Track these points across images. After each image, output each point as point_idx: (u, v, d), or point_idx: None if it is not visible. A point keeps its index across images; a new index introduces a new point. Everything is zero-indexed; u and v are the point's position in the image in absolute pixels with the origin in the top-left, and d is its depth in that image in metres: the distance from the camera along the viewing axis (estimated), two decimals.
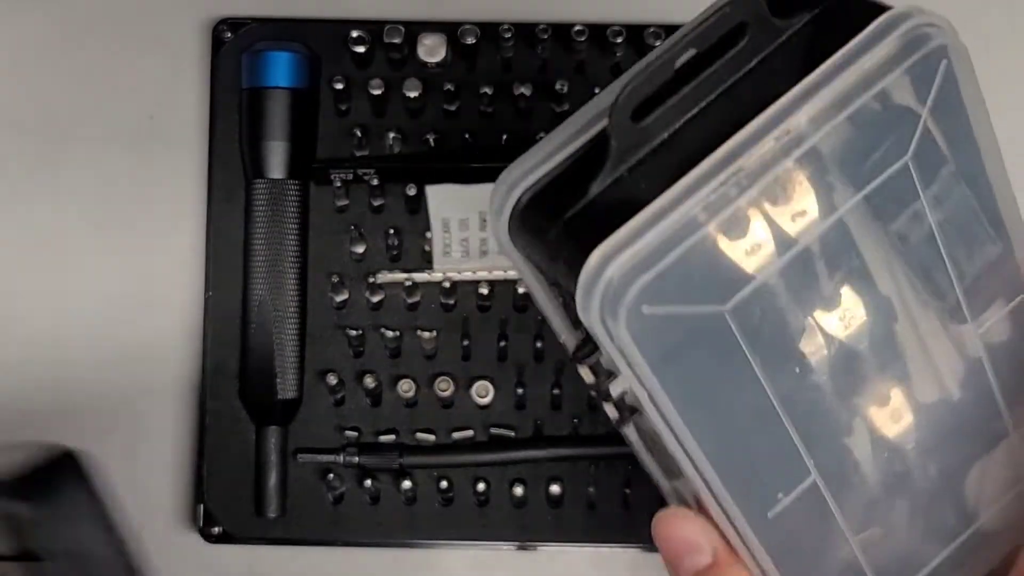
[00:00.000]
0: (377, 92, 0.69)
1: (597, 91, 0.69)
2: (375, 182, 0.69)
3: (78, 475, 0.40)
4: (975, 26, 0.73)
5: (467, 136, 0.70)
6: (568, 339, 0.51)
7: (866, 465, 0.49)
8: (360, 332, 0.69)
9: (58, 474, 0.40)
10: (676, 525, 0.49)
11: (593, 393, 0.48)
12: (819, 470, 0.47)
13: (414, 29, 0.70)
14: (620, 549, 0.70)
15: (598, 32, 0.70)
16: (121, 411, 0.72)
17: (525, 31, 0.70)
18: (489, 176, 0.69)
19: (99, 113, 0.73)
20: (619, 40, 0.69)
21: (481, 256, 0.69)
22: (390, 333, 0.69)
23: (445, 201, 0.69)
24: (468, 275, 0.69)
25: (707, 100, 0.45)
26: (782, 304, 0.45)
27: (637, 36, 0.70)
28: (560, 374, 0.70)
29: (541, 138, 0.48)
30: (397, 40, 0.69)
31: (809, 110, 0.43)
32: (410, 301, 0.70)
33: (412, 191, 0.69)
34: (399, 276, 0.69)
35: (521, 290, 0.68)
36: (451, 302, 0.70)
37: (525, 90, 0.69)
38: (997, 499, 0.52)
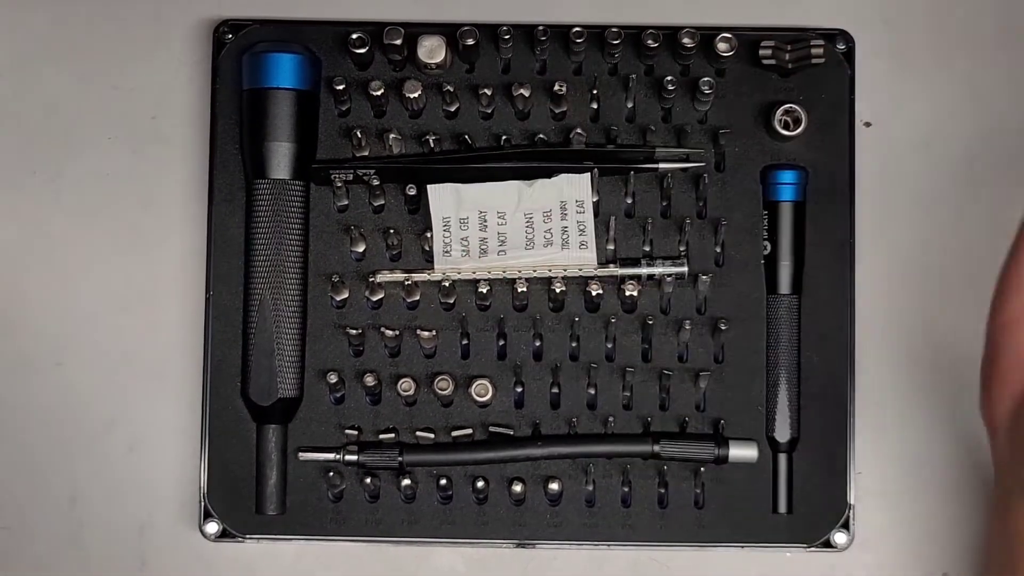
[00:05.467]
0: (377, 93, 0.71)
1: (595, 92, 0.71)
2: (375, 182, 0.70)
3: None
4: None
5: (466, 137, 0.71)
6: None
7: None
8: (360, 331, 0.71)
9: None
10: None
11: None
12: None
13: (414, 31, 0.72)
14: (618, 547, 0.72)
15: (596, 34, 0.71)
16: (123, 409, 0.74)
17: (524, 33, 0.72)
18: (489, 176, 0.70)
19: (100, 114, 0.75)
20: (617, 42, 0.71)
21: (480, 255, 0.70)
22: (390, 332, 0.70)
23: (446, 200, 0.70)
24: (467, 274, 0.70)
25: None
26: None
27: (635, 38, 0.71)
28: (558, 373, 0.70)
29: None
30: (397, 42, 0.70)
31: None
32: (410, 300, 0.71)
33: (412, 191, 0.70)
34: (399, 276, 0.71)
35: (520, 289, 0.69)
36: (450, 301, 0.71)
37: (524, 91, 0.71)
38: None
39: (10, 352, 0.74)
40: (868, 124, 0.75)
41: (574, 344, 0.72)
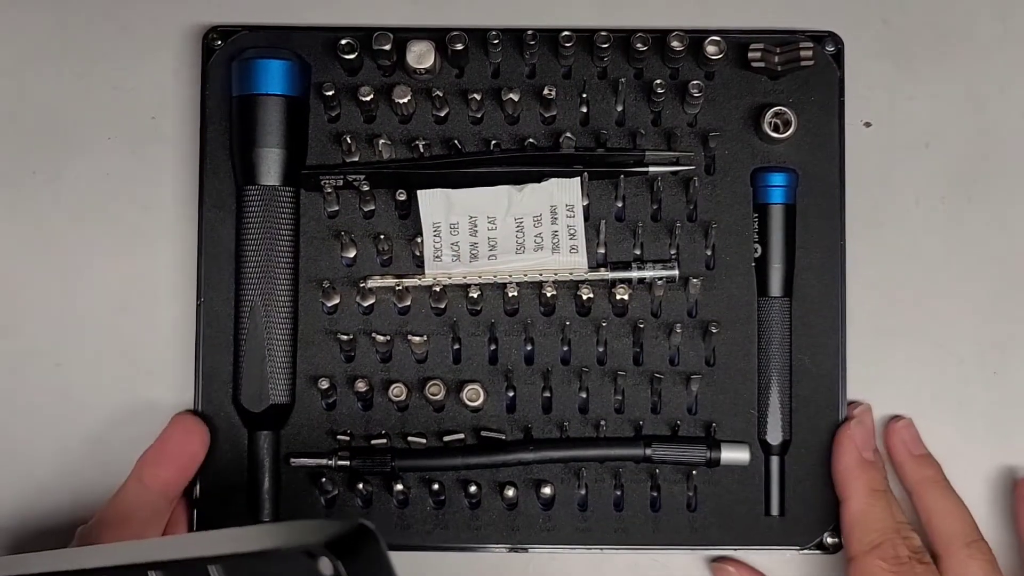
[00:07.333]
0: (367, 99, 0.71)
1: (585, 96, 0.71)
2: (365, 188, 0.71)
3: (376, 544, 0.44)
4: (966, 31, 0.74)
5: (456, 142, 0.72)
6: None
7: None
8: (351, 337, 0.71)
9: (362, 541, 0.43)
10: None
11: None
12: None
13: (403, 36, 0.72)
14: (612, 551, 0.72)
15: (585, 38, 0.71)
16: (114, 416, 0.74)
17: (513, 37, 0.72)
18: (479, 181, 0.70)
19: (100, 114, 0.75)
20: (606, 46, 0.71)
21: (471, 260, 0.71)
22: (381, 338, 0.71)
23: (436, 206, 0.70)
24: (458, 279, 0.70)
25: None
26: None
27: (624, 42, 0.71)
28: (549, 377, 0.71)
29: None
30: (386, 47, 0.71)
31: None
32: (401, 306, 0.72)
33: (402, 196, 0.70)
34: (390, 281, 0.71)
35: (511, 294, 0.69)
36: (441, 306, 0.71)
37: (514, 96, 0.71)
38: None
39: (10, 352, 0.75)
40: (868, 124, 0.75)
41: (565, 348, 0.72)
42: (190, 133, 0.75)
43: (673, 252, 0.72)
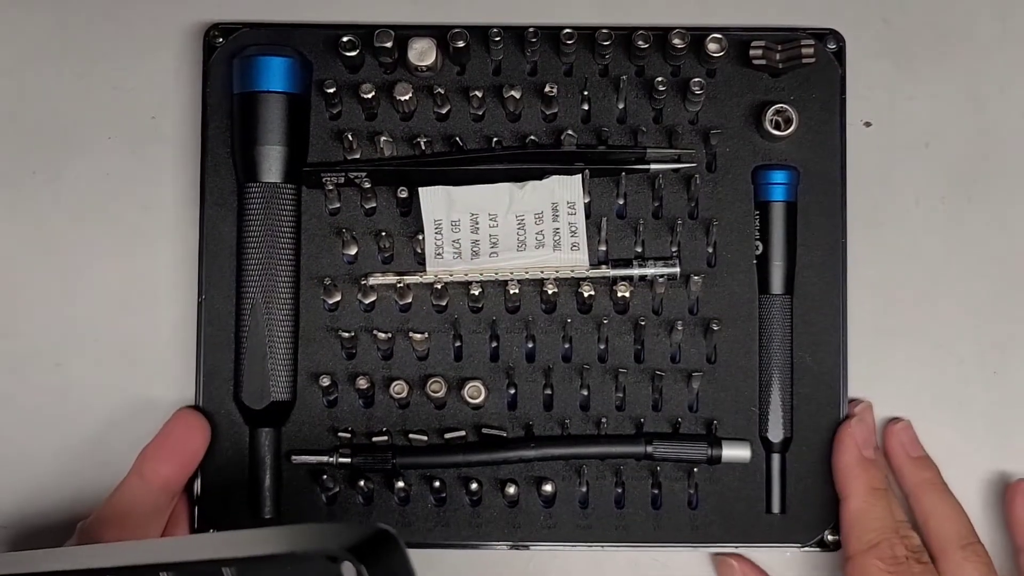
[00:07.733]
0: (368, 96, 0.71)
1: (586, 93, 0.71)
2: (367, 185, 0.71)
3: (399, 548, 0.44)
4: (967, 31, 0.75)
5: (457, 139, 0.72)
6: None
7: None
8: (352, 334, 0.71)
9: (384, 546, 0.43)
10: None
11: None
12: None
13: (404, 33, 0.72)
14: (612, 548, 0.72)
15: (587, 35, 0.72)
16: (115, 413, 0.74)
17: (515, 35, 0.72)
18: (480, 178, 0.70)
19: (90, 119, 0.75)
20: (607, 43, 0.71)
21: (472, 258, 0.71)
22: (382, 335, 0.71)
23: (437, 203, 0.70)
24: (459, 277, 0.70)
25: None
26: None
27: (626, 39, 0.71)
28: (551, 374, 0.71)
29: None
30: (387, 44, 0.71)
31: None
32: (402, 303, 0.72)
33: (403, 194, 0.70)
34: (391, 278, 0.71)
35: (512, 291, 0.69)
36: (443, 303, 0.71)
37: (515, 93, 0.71)
38: None
39: (10, 352, 0.75)
40: (868, 124, 0.75)
41: (567, 345, 0.72)
42: (190, 132, 0.75)
43: (674, 249, 0.72)
